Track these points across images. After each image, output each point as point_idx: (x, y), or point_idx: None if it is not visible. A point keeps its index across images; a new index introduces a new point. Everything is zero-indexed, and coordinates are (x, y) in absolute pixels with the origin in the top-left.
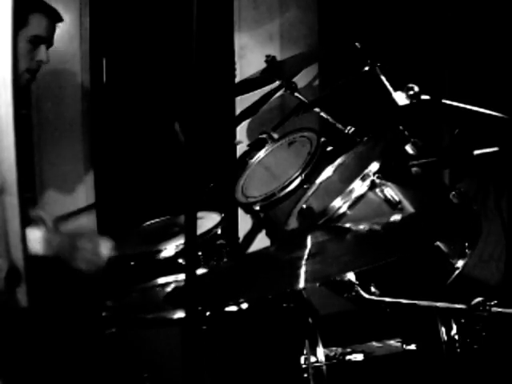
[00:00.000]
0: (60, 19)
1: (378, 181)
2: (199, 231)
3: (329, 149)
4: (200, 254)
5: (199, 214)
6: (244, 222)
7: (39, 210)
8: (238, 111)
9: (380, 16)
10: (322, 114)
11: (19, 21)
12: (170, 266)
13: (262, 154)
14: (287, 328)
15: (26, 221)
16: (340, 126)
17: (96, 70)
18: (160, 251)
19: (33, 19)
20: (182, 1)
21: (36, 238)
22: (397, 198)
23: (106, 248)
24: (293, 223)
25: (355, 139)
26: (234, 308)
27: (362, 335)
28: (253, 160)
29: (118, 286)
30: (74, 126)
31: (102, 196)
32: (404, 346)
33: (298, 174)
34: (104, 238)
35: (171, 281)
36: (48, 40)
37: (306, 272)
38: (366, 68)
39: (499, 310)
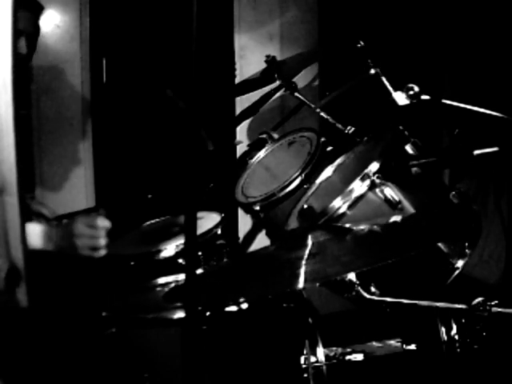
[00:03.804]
0: (39, 8)
1: (377, 181)
2: (199, 231)
3: (329, 149)
4: (200, 253)
5: (199, 214)
6: (244, 222)
7: (39, 203)
8: (238, 111)
9: (380, 16)
10: (322, 114)
11: None
12: (170, 266)
13: (261, 154)
14: (287, 328)
15: (26, 218)
16: (340, 125)
17: (96, 70)
18: (160, 251)
19: None
20: (182, 1)
21: (36, 232)
22: (397, 198)
23: (103, 227)
24: (293, 223)
25: (355, 139)
26: (233, 308)
27: (362, 335)
28: (253, 160)
29: (118, 285)
30: (73, 126)
31: (102, 196)
32: (404, 345)
33: (297, 173)
34: (99, 217)
35: (171, 281)
36: (27, 32)
37: (306, 272)
38: (367, 68)
39: (499, 309)
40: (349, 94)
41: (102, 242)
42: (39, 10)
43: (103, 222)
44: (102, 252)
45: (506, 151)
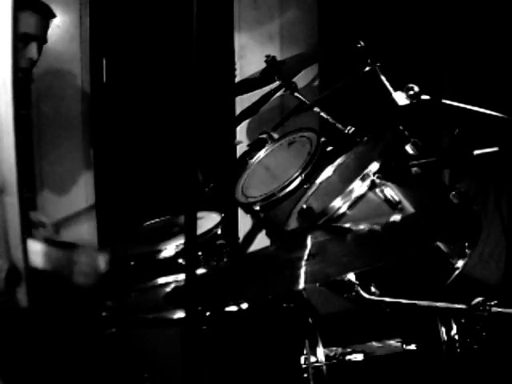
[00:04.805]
0: (52, 15)
1: (378, 181)
2: (199, 231)
3: (329, 149)
4: (200, 253)
5: (199, 214)
6: (244, 222)
7: (39, 213)
8: (238, 111)
9: (380, 16)
10: (322, 114)
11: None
12: (170, 266)
13: (262, 154)
14: (287, 328)
15: (27, 222)
16: (340, 126)
17: (96, 70)
18: (160, 251)
19: (21, 17)
20: (182, 1)
21: (36, 250)
22: (397, 198)
23: (102, 261)
24: (293, 223)
25: (355, 139)
26: (233, 308)
27: (362, 335)
28: (253, 160)
29: (118, 285)
30: (73, 126)
31: (102, 196)
32: (404, 345)
33: (298, 173)
34: (101, 251)
35: (171, 281)
36: (39, 37)
37: (306, 272)
38: (367, 68)
39: (499, 309)
40: (348, 92)
41: (99, 273)
42: (51, 16)
43: (105, 256)
44: (95, 281)
45: (506, 151)
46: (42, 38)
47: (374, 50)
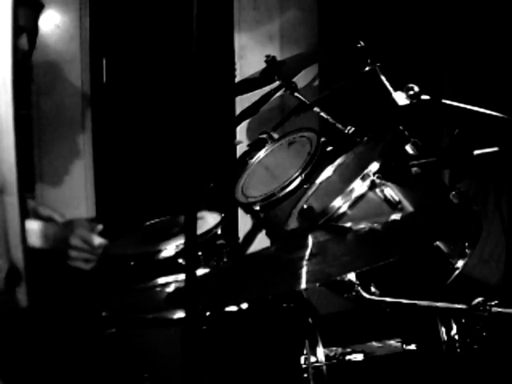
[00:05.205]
0: (40, 6)
1: (378, 181)
2: (199, 231)
3: (329, 149)
4: (200, 253)
5: (199, 214)
6: (244, 222)
7: (36, 202)
8: (238, 111)
9: (380, 16)
10: (322, 114)
11: None
12: (170, 266)
13: (261, 154)
14: (287, 328)
15: (26, 218)
16: (340, 126)
17: (96, 70)
18: (160, 251)
19: None
20: (182, 1)
21: (33, 230)
22: (397, 198)
23: (99, 244)
24: (293, 223)
25: (355, 139)
26: (233, 308)
27: (362, 335)
28: (253, 160)
29: (118, 285)
30: (73, 126)
31: (102, 196)
32: (404, 345)
33: (298, 173)
34: (95, 235)
35: (171, 281)
36: (29, 29)
37: (307, 272)
38: (367, 68)
39: (499, 309)
40: (348, 92)
41: (95, 257)
42: (40, 7)
43: (99, 240)
44: (92, 266)
45: (506, 151)
46: (31, 30)
47: (374, 50)
